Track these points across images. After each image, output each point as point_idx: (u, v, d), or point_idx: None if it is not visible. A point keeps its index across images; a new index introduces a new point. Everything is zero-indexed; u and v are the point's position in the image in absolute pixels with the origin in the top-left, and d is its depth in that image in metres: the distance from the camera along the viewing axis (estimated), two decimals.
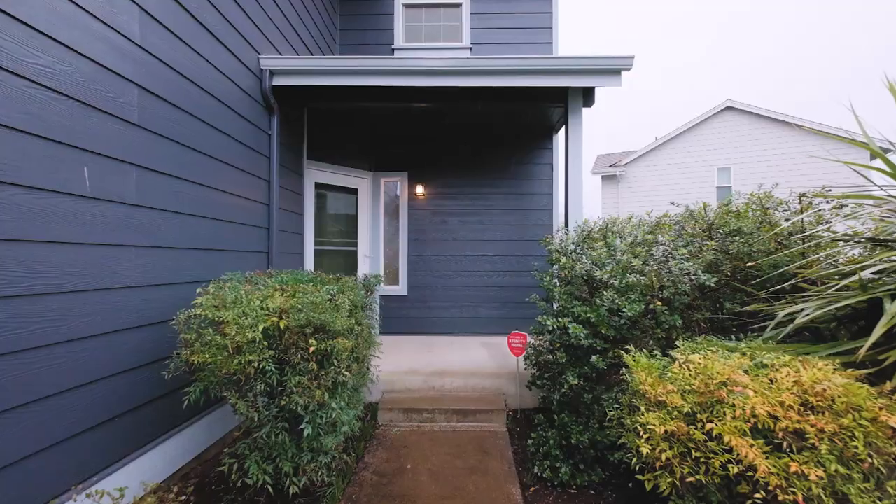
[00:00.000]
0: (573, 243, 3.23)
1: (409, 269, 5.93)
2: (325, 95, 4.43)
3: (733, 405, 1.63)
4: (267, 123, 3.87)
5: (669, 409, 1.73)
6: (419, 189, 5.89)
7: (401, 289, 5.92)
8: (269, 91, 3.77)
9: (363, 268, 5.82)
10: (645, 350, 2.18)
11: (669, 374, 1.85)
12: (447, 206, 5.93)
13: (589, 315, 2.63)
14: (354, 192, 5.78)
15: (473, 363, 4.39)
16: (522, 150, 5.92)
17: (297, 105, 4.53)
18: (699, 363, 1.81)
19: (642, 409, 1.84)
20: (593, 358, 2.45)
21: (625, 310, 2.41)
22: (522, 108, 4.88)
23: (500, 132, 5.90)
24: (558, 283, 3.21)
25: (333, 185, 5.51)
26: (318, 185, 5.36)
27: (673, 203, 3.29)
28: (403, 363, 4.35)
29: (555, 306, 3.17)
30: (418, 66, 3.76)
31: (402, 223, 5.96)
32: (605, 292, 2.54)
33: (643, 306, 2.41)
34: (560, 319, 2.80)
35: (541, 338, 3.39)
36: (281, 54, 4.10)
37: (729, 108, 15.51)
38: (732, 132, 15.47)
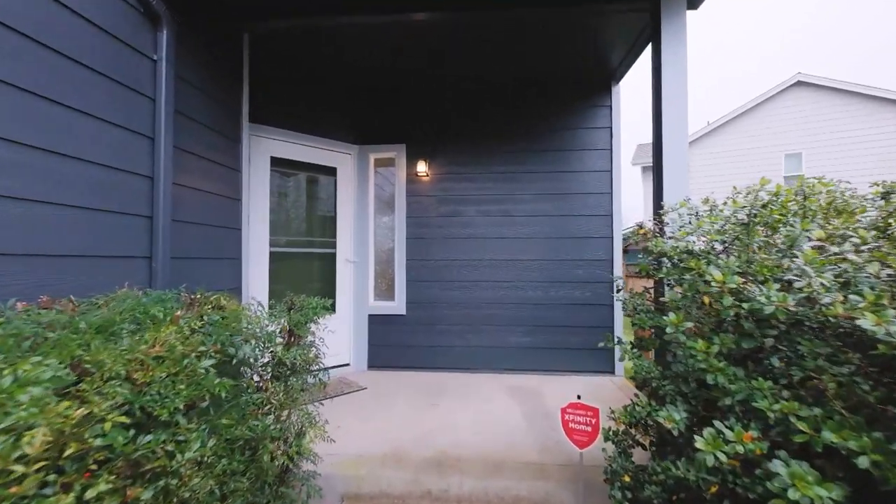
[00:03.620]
0: (723, 234, 1.49)
1: (407, 278, 4.29)
2: (268, 4, 2.87)
3: None
4: (149, 42, 2.31)
5: None
6: (421, 167, 4.24)
7: (396, 305, 4.28)
8: None
9: (345, 277, 4.22)
10: None
11: None
12: (460, 190, 4.26)
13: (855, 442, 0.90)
14: (332, 172, 4.19)
15: (499, 436, 2.69)
16: (567, 109, 4.18)
17: (225, 23, 2.97)
18: None
19: None
20: None
21: None
22: (575, 26, 3.16)
23: (534, 84, 4.18)
24: (689, 322, 1.47)
25: (300, 161, 3.94)
26: (278, 162, 3.80)
27: None
28: (385, 436, 2.70)
29: (642, 362, 1.46)
30: None
31: (398, 215, 4.33)
32: None
33: None
34: (734, 437, 1.07)
35: (636, 430, 1.68)
36: None
37: (799, 84, 13.15)
38: (804, 112, 13.10)
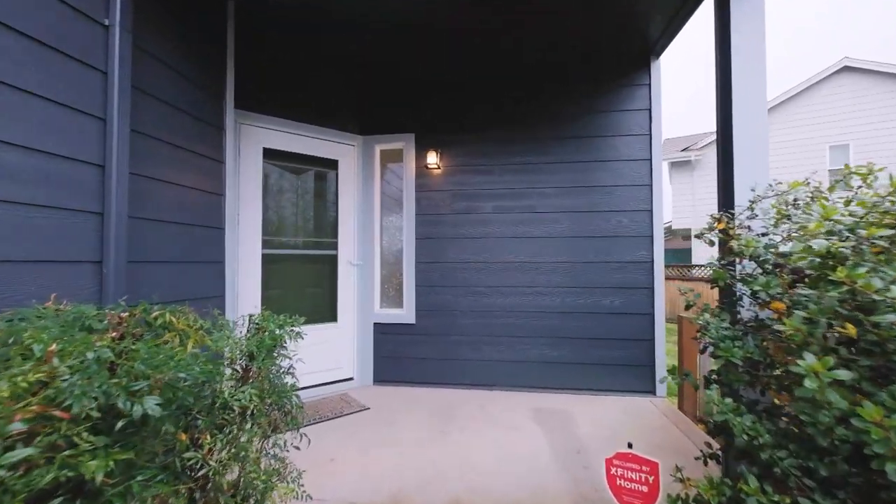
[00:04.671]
0: (876, 229, 0.98)
1: (417, 282, 3.84)
2: None
3: None
4: (100, 4, 1.93)
5: None
6: (432, 159, 3.79)
7: (405, 313, 3.84)
8: None
9: (348, 281, 3.81)
10: None
11: None
12: (476, 184, 3.78)
13: None
14: (333, 165, 3.78)
15: (524, 478, 2.21)
16: (598, 89, 3.65)
17: None
18: None
19: None
20: None
21: None
22: None
23: (559, 62, 3.68)
24: None
25: (297, 153, 3.55)
26: (272, 154, 3.41)
27: None
28: (386, 475, 2.25)
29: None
30: None
31: (406, 213, 3.89)
32: None
33: None
34: None
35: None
36: None
37: (846, 69, 12.11)
38: (851, 100, 12.05)
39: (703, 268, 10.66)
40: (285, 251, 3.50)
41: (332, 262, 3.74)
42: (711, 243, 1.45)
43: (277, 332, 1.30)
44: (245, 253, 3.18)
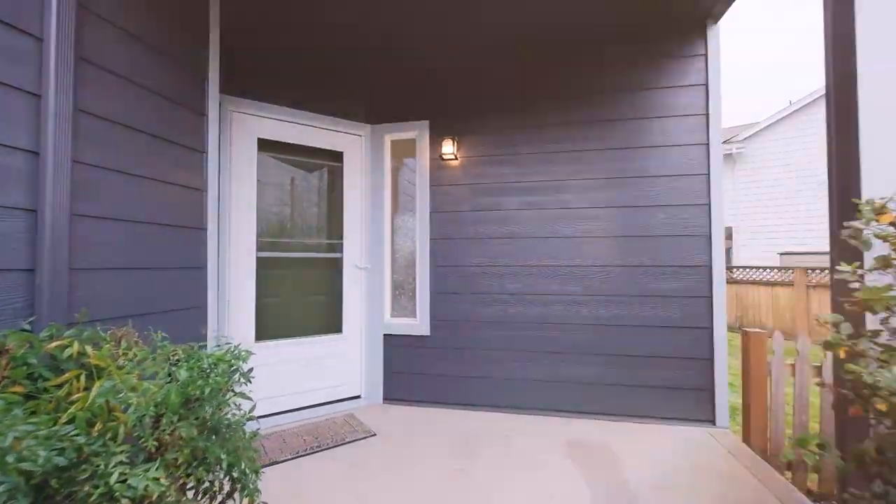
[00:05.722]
0: None
1: (432, 289, 3.39)
2: None
3: None
4: None
5: None
6: (448, 149, 3.33)
7: (418, 324, 3.40)
8: None
9: (354, 287, 3.40)
10: None
11: None
12: (499, 176, 3.31)
13: None
14: (338, 157, 3.39)
15: None
16: (644, 62, 3.11)
17: None
18: None
19: None
20: None
21: None
22: None
23: (597, 31, 3.16)
24: None
25: (296, 144, 3.17)
26: (267, 145, 3.05)
27: None
28: None
29: None
30: None
31: (420, 210, 3.45)
32: None
33: None
34: None
35: None
36: None
37: None
38: None
39: (746, 269, 9.75)
40: (284, 254, 3.12)
41: (337, 265, 3.34)
42: (866, 245, 0.94)
43: (191, 377, 0.88)
44: (236, 256, 2.82)
